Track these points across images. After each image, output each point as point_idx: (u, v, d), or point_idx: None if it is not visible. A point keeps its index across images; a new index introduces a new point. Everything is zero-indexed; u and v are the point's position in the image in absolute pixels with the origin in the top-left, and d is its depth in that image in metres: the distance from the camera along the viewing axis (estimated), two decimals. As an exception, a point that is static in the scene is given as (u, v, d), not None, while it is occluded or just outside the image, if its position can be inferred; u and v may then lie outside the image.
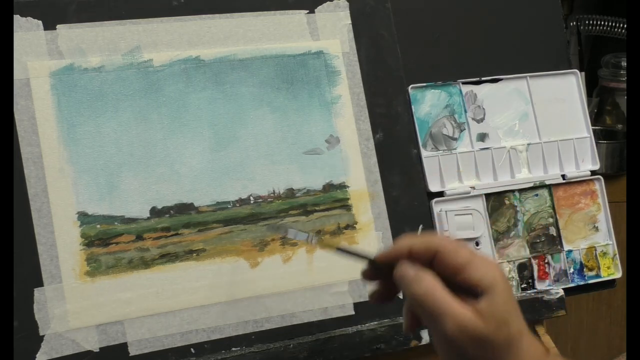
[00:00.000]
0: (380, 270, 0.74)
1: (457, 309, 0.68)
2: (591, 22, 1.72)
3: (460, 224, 0.98)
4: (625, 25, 1.70)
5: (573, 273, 1.03)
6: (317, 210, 0.92)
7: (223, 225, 0.88)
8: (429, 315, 0.69)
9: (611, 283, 1.06)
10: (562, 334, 1.72)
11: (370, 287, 0.77)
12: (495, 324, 0.68)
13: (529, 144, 1.03)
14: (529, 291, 1.00)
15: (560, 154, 1.04)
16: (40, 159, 0.83)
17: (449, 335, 0.68)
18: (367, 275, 0.75)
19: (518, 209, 1.02)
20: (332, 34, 0.96)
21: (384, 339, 0.91)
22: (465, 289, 0.69)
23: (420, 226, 0.96)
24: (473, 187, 1.00)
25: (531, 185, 1.02)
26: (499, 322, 0.68)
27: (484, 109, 1.02)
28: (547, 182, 1.03)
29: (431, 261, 0.71)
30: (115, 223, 0.85)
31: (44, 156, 0.84)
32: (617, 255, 1.06)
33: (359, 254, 0.76)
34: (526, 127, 1.04)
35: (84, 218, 0.84)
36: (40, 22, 0.85)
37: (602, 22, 1.71)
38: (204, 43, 0.91)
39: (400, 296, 0.77)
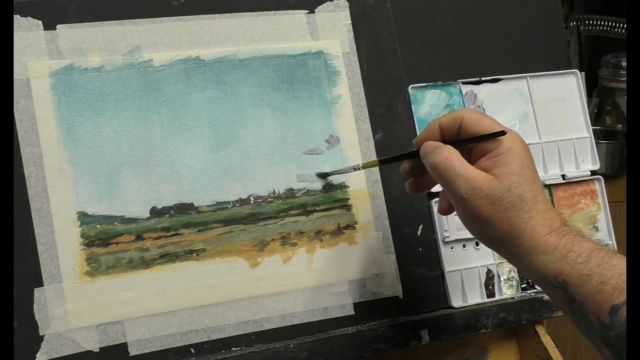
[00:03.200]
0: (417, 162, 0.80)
1: (470, 171, 0.73)
2: (591, 22, 1.72)
3: (460, 224, 0.97)
4: (625, 25, 1.69)
5: (573, 273, 1.03)
6: (317, 210, 0.92)
7: (223, 225, 0.88)
8: (445, 180, 0.74)
9: (611, 283, 1.06)
10: (562, 334, 1.72)
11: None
12: (508, 184, 0.72)
13: (528, 144, 1.03)
14: (529, 291, 1.00)
15: (560, 154, 1.04)
16: (40, 159, 0.84)
17: (462, 195, 0.73)
18: (405, 169, 0.82)
19: (518, 209, 1.02)
20: (332, 34, 0.96)
21: (384, 339, 0.91)
22: (474, 139, 0.76)
23: (420, 226, 0.96)
24: (473, 187, 1.00)
25: (531, 185, 1.02)
26: (512, 183, 0.72)
27: (484, 109, 1.02)
28: (547, 182, 1.03)
29: (457, 136, 0.77)
30: (115, 223, 0.85)
31: (44, 156, 0.84)
32: (617, 255, 1.06)
33: (400, 154, 0.85)
34: (526, 127, 1.04)
35: (84, 218, 0.84)
36: (40, 22, 0.85)
37: (602, 22, 1.71)
38: (204, 43, 0.91)
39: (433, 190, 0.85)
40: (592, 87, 1.73)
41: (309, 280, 0.90)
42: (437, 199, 0.97)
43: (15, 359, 0.79)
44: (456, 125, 0.77)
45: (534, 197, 0.73)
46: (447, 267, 0.97)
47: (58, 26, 0.86)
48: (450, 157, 0.74)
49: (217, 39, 0.92)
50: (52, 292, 0.82)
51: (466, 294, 0.97)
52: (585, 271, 0.70)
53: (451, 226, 0.97)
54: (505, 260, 0.99)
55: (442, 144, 0.76)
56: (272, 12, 0.94)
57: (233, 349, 0.87)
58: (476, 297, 0.98)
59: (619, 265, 0.70)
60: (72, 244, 0.83)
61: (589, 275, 0.70)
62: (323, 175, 0.92)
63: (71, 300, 0.82)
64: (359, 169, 0.91)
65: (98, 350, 0.83)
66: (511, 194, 0.72)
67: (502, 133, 0.75)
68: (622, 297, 0.68)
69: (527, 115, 1.04)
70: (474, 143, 0.76)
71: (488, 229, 0.73)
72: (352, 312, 0.91)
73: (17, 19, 0.84)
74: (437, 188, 0.83)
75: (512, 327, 1.00)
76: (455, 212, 0.78)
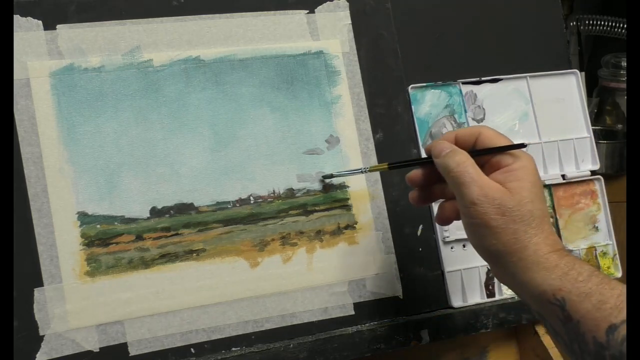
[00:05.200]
0: (426, 172, 0.81)
1: (484, 179, 0.74)
2: (591, 22, 1.72)
3: (460, 224, 0.98)
4: (625, 25, 1.69)
5: (573, 273, 1.03)
6: (317, 210, 0.92)
7: (223, 225, 0.88)
8: (459, 184, 0.74)
9: (611, 283, 1.06)
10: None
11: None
12: (520, 198, 0.73)
13: (528, 144, 1.03)
14: (529, 291, 1.00)
15: (560, 154, 1.04)
16: (40, 159, 0.84)
17: (474, 199, 0.73)
18: (411, 178, 0.82)
19: (518, 209, 1.02)
20: (332, 34, 0.96)
21: (384, 339, 0.91)
22: (491, 150, 0.77)
23: (420, 226, 0.96)
24: (473, 187, 1.00)
25: (531, 185, 1.02)
26: (523, 198, 0.73)
27: (484, 109, 1.02)
28: (547, 182, 1.03)
29: (472, 147, 0.78)
30: (115, 223, 0.85)
31: (44, 156, 0.84)
32: (617, 255, 1.06)
33: (412, 160, 0.86)
34: (526, 127, 1.04)
35: (84, 218, 0.84)
36: (40, 22, 0.85)
37: (602, 22, 1.71)
38: (204, 43, 0.91)
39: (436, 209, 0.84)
40: (592, 87, 1.72)
41: (309, 280, 0.90)
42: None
43: (15, 359, 0.79)
44: (473, 139, 0.78)
45: (542, 216, 0.74)
46: (447, 267, 0.97)
47: (58, 26, 0.86)
48: (466, 161, 0.75)
49: (217, 39, 0.92)
50: (52, 292, 0.82)
51: (466, 294, 0.97)
52: (585, 289, 0.71)
53: (451, 226, 0.97)
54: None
55: (457, 148, 0.77)
56: (272, 12, 0.94)
57: (233, 349, 0.87)
58: (476, 297, 0.98)
59: (618, 287, 0.71)
60: (72, 244, 0.83)
61: (588, 294, 0.70)
62: (328, 177, 0.93)
63: (71, 300, 0.82)
64: (366, 172, 0.91)
65: (98, 350, 0.83)
66: (522, 208, 0.73)
67: (523, 145, 0.77)
68: (621, 316, 0.68)
69: (527, 115, 1.04)
70: (492, 154, 0.77)
71: (492, 238, 0.74)
72: (352, 312, 0.91)
73: (17, 19, 0.85)
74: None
75: (512, 327, 1.01)
76: (454, 221, 0.80)
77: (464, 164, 0.75)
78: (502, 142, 0.77)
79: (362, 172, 0.91)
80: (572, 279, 0.71)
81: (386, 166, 0.87)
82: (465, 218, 0.76)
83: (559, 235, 1.03)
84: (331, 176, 0.92)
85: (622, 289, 0.70)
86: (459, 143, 0.78)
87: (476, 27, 1.04)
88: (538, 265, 0.73)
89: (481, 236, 0.74)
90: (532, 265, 0.73)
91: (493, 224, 0.73)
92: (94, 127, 0.86)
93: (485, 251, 0.76)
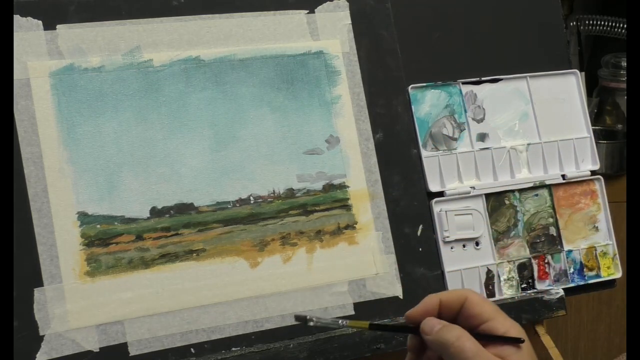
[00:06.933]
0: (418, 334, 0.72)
1: (489, 356, 0.68)
2: (591, 22, 1.72)
3: (460, 224, 0.98)
4: (625, 25, 1.70)
5: (573, 273, 1.03)
6: (317, 210, 0.92)
7: (223, 225, 0.88)
8: None
9: (611, 283, 1.06)
10: (562, 334, 1.72)
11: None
12: None
13: (529, 144, 1.03)
14: (529, 291, 1.00)
15: (560, 154, 1.04)
16: (40, 159, 0.84)
17: None
18: (411, 346, 0.74)
19: (518, 209, 1.02)
20: (332, 34, 0.96)
21: (384, 339, 0.91)
22: (490, 337, 0.70)
23: (420, 226, 0.96)
24: (473, 187, 1.00)
25: (531, 185, 1.02)
26: None
27: (484, 109, 1.02)
28: (547, 182, 1.03)
29: (456, 315, 0.71)
30: (115, 223, 0.85)
31: (44, 156, 0.84)
32: (617, 255, 1.06)
33: (394, 326, 0.79)
34: (526, 127, 1.04)
35: (84, 218, 0.84)
36: (40, 22, 0.85)
37: (602, 22, 1.71)
38: (204, 43, 0.91)
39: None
40: (592, 87, 1.73)
41: (309, 280, 0.90)
42: (437, 198, 0.97)
43: (15, 359, 0.79)
44: (458, 304, 0.72)
45: None
46: (447, 267, 0.97)
47: (58, 26, 0.86)
48: (465, 336, 0.69)
49: (217, 39, 0.92)
50: (52, 292, 0.82)
51: (466, 294, 0.97)
52: None
53: (451, 226, 0.97)
54: (505, 261, 1.00)
55: (449, 325, 0.70)
56: (272, 12, 0.94)
57: (233, 349, 0.87)
58: (476, 297, 0.98)
59: None
60: (72, 244, 0.83)
61: None
62: (301, 319, 0.73)
63: (71, 300, 0.82)
64: (344, 326, 0.77)
65: (98, 350, 0.83)
66: None
67: (520, 340, 0.70)
68: None
69: (527, 115, 1.04)
70: (490, 341, 0.70)
71: None
72: (352, 312, 0.91)
73: (17, 19, 0.84)
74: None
75: (512, 327, 1.00)
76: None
77: (463, 339, 0.68)
78: (489, 309, 0.71)
79: (340, 325, 0.76)
80: None
81: (366, 325, 0.80)
82: None
83: (559, 236, 1.03)
84: (305, 320, 0.74)
85: None
86: (443, 308, 0.72)
87: (476, 28, 1.04)
88: None
89: None
90: None
91: None
92: (94, 127, 0.86)
93: None
